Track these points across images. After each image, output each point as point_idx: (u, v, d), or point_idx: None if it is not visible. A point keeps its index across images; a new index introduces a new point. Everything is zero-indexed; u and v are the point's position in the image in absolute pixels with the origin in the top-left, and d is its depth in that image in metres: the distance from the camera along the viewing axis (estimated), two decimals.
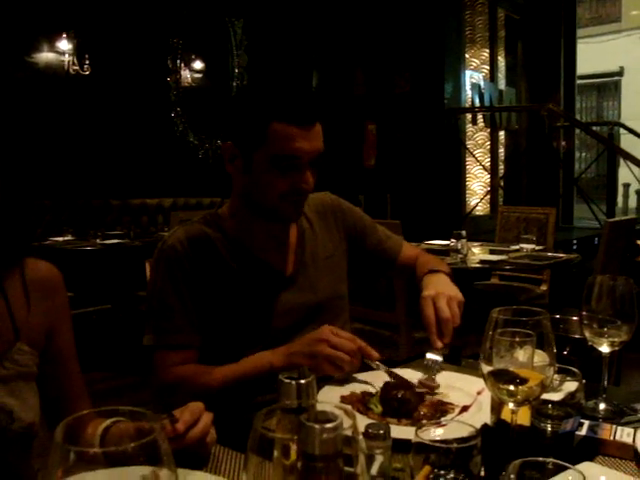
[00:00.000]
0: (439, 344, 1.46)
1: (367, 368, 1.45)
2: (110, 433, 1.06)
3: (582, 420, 1.14)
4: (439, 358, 1.47)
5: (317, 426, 0.56)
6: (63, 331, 1.28)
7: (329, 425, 0.56)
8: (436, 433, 0.88)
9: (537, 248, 4.13)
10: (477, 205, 7.46)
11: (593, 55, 12.20)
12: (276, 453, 0.61)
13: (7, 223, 1.18)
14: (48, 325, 1.24)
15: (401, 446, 0.97)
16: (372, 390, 1.35)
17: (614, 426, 1.15)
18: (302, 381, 0.73)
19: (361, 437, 0.58)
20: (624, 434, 1.12)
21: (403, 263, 1.81)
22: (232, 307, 1.51)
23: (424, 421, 1.14)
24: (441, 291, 1.52)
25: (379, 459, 0.89)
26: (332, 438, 0.56)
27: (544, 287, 4.52)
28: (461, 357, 1.68)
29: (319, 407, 0.67)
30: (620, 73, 14.09)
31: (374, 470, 0.88)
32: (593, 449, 1.10)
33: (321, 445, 0.56)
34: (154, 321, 1.51)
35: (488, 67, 8.23)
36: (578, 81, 9.25)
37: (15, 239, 1.20)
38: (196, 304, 1.49)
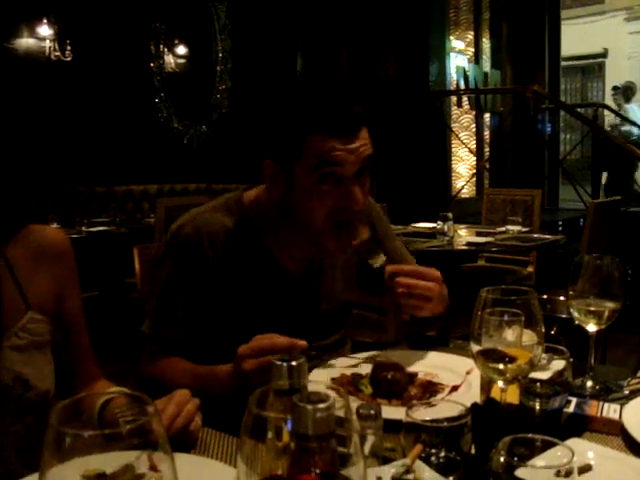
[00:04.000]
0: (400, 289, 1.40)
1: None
2: (108, 408, 1.08)
3: (570, 397, 1.16)
4: None
5: (310, 406, 0.56)
6: (72, 296, 1.28)
7: (322, 405, 0.56)
8: (427, 413, 0.89)
9: (523, 230, 4.16)
10: (463, 188, 7.48)
11: (577, 37, 12.22)
12: (269, 434, 0.61)
13: (4, 193, 1.17)
14: (58, 290, 1.24)
15: (392, 426, 0.98)
16: (362, 372, 1.36)
17: (601, 403, 1.16)
18: (293, 363, 0.74)
19: (354, 417, 0.58)
20: (611, 410, 1.14)
21: None
22: (242, 304, 1.46)
23: (414, 401, 1.15)
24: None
25: (371, 439, 0.90)
26: (325, 418, 0.56)
27: (530, 268, 4.56)
28: (449, 338, 1.69)
29: (311, 388, 0.68)
30: (604, 55, 14.12)
31: (366, 450, 0.89)
32: (580, 425, 1.12)
33: (314, 425, 0.56)
34: (156, 309, 1.47)
35: (473, 49, 8.22)
36: (562, 63, 9.27)
37: (13, 209, 1.20)
38: (202, 299, 1.44)
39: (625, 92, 9.25)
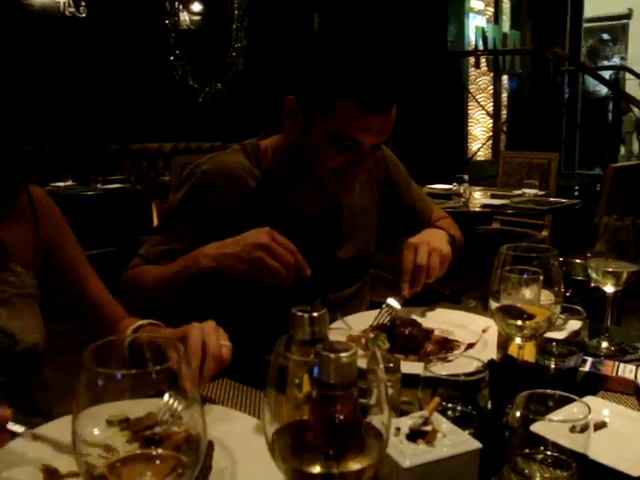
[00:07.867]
0: (406, 291, 1.41)
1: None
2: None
3: (585, 357, 1.17)
4: (398, 306, 1.42)
5: (332, 355, 0.56)
6: (65, 248, 1.28)
7: (344, 354, 0.56)
8: (444, 368, 0.91)
9: (539, 193, 4.14)
10: (479, 150, 7.41)
11: None
12: (292, 383, 0.62)
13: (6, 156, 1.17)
14: (43, 246, 1.24)
15: (408, 381, 0.99)
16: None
17: (616, 363, 1.17)
18: (314, 314, 0.74)
19: (381, 367, 0.59)
20: (626, 370, 1.14)
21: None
22: None
23: (431, 357, 1.16)
24: (426, 240, 1.47)
25: (389, 392, 0.91)
26: (347, 366, 0.56)
27: (545, 232, 4.53)
28: (463, 299, 1.70)
29: (334, 337, 0.68)
30: (628, 16, 13.75)
31: None
32: (596, 384, 1.13)
33: (336, 373, 0.56)
34: (155, 234, 1.48)
35: (492, 9, 8.05)
36: (584, 24, 9.06)
37: (6, 177, 1.19)
38: (211, 235, 1.41)
39: None
